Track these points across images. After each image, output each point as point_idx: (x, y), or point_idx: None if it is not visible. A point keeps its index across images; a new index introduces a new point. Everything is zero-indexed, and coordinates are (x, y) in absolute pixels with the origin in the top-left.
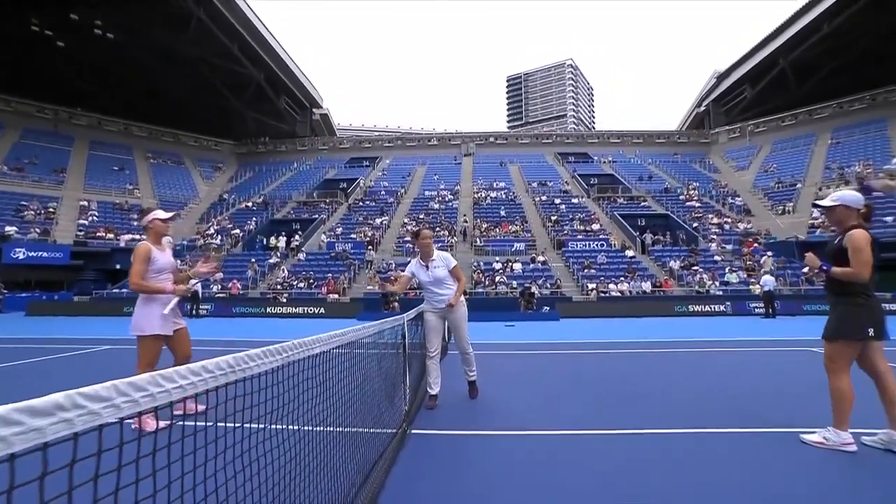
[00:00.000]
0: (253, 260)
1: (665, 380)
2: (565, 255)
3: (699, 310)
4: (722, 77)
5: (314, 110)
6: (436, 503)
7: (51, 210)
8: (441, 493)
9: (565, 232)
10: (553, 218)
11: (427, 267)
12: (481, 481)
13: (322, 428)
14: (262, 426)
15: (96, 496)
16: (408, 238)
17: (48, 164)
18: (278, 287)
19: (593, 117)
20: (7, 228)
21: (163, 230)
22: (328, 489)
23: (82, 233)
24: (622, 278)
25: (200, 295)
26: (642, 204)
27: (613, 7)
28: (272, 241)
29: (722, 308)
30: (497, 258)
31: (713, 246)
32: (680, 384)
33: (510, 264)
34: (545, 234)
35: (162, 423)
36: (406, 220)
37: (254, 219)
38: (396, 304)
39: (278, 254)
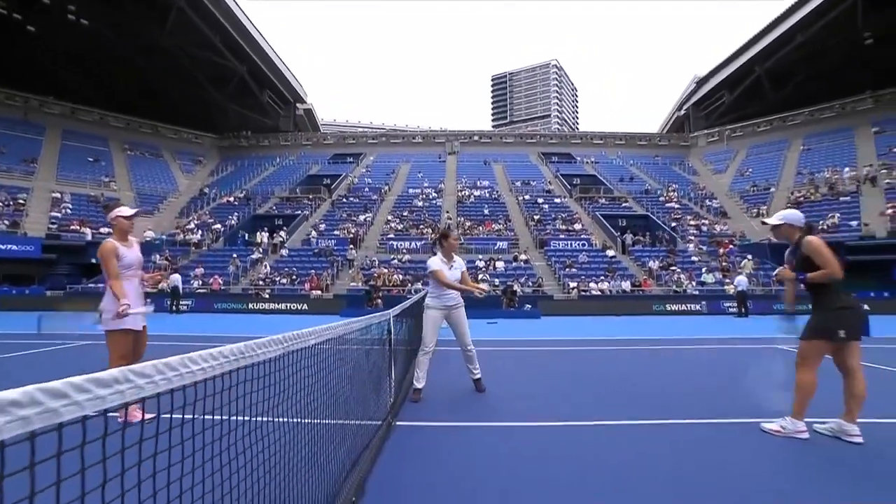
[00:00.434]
0: (235, 255)
1: (642, 375)
2: (547, 254)
3: (676, 309)
4: (701, 82)
5: (298, 105)
6: (419, 487)
7: (20, 201)
8: (424, 478)
9: (548, 231)
10: (536, 217)
11: (450, 266)
12: (460, 467)
13: (310, 420)
14: (261, 419)
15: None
16: (392, 235)
17: (17, 154)
18: (260, 283)
19: (577, 118)
20: None
21: (127, 227)
22: (319, 474)
23: (55, 225)
24: (603, 277)
25: (181, 290)
26: (623, 205)
27: (598, 9)
28: (258, 236)
29: (697, 307)
30: (480, 256)
31: (691, 247)
32: (657, 379)
33: (493, 262)
34: (528, 233)
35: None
36: (390, 218)
37: (235, 214)
38: (380, 300)
39: (260, 249)
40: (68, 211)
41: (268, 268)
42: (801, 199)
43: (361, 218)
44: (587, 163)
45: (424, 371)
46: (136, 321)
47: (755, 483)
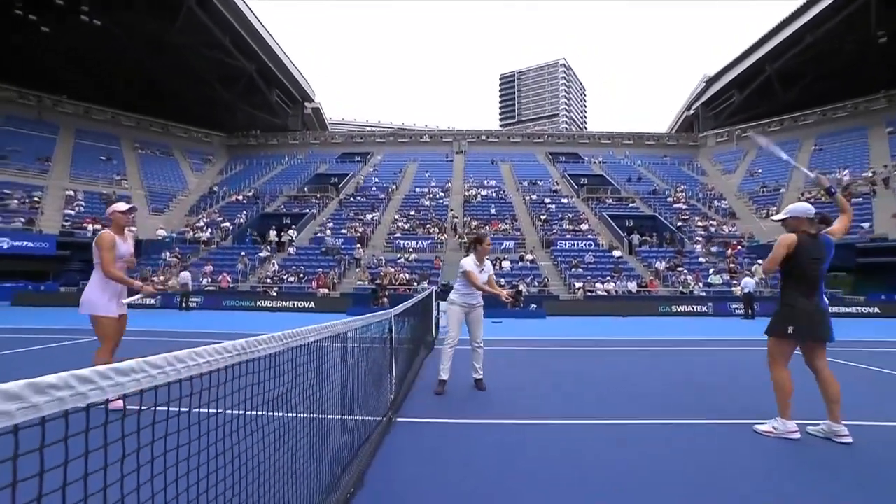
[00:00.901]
0: (243, 253)
1: (644, 376)
2: (554, 254)
3: (682, 310)
4: (711, 81)
5: (306, 104)
6: (417, 481)
7: (36, 199)
8: (423, 473)
9: (554, 231)
10: (543, 217)
11: (480, 270)
12: (459, 463)
13: (308, 415)
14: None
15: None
16: (398, 235)
17: (32, 153)
18: (268, 281)
19: (585, 117)
20: None
21: (123, 221)
22: (320, 464)
23: (69, 223)
24: (609, 278)
25: (190, 288)
26: (630, 205)
27: (607, 8)
28: (270, 234)
29: (704, 309)
30: (486, 256)
31: (698, 248)
32: (659, 379)
33: (499, 262)
34: (534, 232)
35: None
36: (397, 217)
37: (244, 212)
38: (386, 299)
39: (268, 248)
40: (81, 209)
41: (275, 266)
42: (812, 200)
43: (369, 217)
44: (595, 163)
45: (448, 363)
46: (123, 306)
47: (752, 483)
